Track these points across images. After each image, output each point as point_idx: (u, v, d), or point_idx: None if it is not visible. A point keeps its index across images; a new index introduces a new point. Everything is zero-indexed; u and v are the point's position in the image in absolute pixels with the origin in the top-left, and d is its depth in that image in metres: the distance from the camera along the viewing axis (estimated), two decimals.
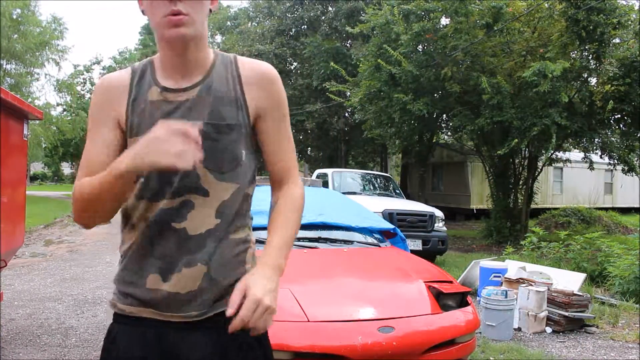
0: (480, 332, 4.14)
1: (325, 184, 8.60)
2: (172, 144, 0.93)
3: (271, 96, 1.19)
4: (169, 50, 1.09)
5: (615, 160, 10.70)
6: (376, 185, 9.88)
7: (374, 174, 10.68)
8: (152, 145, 0.94)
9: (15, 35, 25.18)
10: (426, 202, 10.61)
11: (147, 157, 0.94)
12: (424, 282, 3.09)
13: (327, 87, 13.17)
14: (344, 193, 6.65)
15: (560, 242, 7.08)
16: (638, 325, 4.58)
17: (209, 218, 1.09)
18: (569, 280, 5.12)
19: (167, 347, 1.08)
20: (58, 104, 27.69)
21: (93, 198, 1.03)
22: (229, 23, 25.63)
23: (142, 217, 1.09)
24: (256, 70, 1.18)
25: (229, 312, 0.96)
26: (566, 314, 4.39)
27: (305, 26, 19.72)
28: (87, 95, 33.17)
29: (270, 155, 1.24)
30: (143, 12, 1.10)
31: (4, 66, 25.41)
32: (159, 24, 1.05)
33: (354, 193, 8.39)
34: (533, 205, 11.80)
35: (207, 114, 1.10)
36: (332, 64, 13.87)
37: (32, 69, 27.17)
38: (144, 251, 1.09)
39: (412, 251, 4.67)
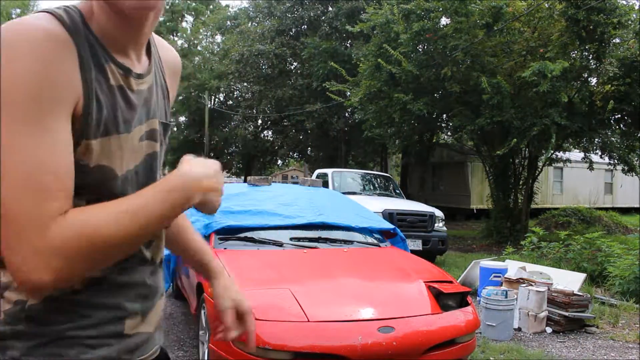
0: (480, 332, 4.13)
1: (325, 184, 8.59)
2: (221, 179, 0.78)
3: (174, 90, 0.98)
4: (124, 26, 0.76)
5: (616, 160, 10.71)
6: (376, 185, 9.87)
7: (374, 174, 10.67)
8: (218, 180, 0.77)
9: None
10: (426, 202, 10.60)
11: (212, 196, 0.76)
12: (424, 282, 3.09)
13: (327, 87, 13.17)
14: (344, 193, 6.65)
15: (561, 242, 7.07)
16: (638, 326, 4.58)
17: (163, 242, 0.91)
18: (569, 280, 5.12)
19: None
20: None
21: (128, 239, 0.69)
22: (228, 23, 25.63)
23: None
24: (175, 60, 0.97)
25: (233, 335, 0.92)
26: (566, 314, 4.39)
27: (306, 26, 19.72)
28: None
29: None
30: None
31: None
32: None
33: (354, 193, 8.38)
34: (533, 205, 11.79)
35: (160, 111, 0.87)
36: (331, 63, 13.86)
37: None
38: (114, 283, 0.79)
39: (412, 251, 4.67)
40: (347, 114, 18.80)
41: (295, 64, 21.25)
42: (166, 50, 0.95)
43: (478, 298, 4.76)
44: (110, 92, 0.76)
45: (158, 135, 0.86)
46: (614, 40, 8.86)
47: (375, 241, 4.08)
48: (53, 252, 0.64)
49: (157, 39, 0.93)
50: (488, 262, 5.29)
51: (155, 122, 0.85)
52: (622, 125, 10.19)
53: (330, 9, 18.49)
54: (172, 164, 29.14)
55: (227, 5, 36.32)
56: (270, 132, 25.46)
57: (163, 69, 0.92)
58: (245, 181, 8.09)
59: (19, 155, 0.64)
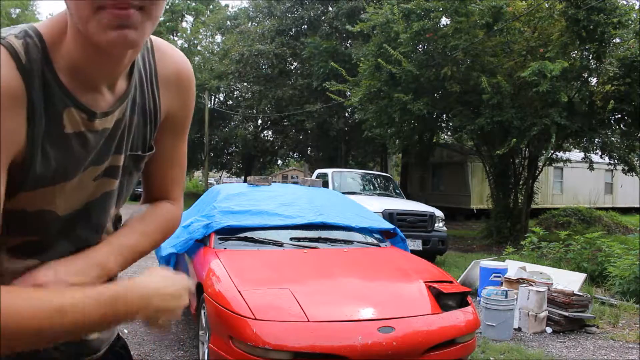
0: (480, 332, 4.13)
1: (325, 184, 8.59)
2: (184, 299, 0.76)
3: (184, 104, 0.88)
4: (99, 58, 0.68)
5: (616, 160, 10.71)
6: (376, 185, 9.87)
7: (374, 174, 10.67)
8: (175, 299, 0.74)
9: None
10: (426, 202, 10.59)
11: (163, 313, 0.73)
12: (424, 282, 3.09)
13: (327, 87, 13.17)
14: (344, 193, 6.64)
15: (561, 242, 7.07)
16: (638, 326, 4.58)
17: None
18: (569, 280, 5.12)
19: None
20: None
21: (56, 333, 0.63)
22: (228, 23, 25.64)
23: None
24: (177, 69, 0.85)
25: None
26: (566, 314, 4.38)
27: (305, 26, 19.73)
28: None
29: (159, 170, 0.91)
30: None
31: None
32: (88, 18, 0.62)
33: (354, 193, 8.37)
34: (533, 205, 11.79)
35: (133, 142, 0.81)
36: (331, 62, 13.86)
37: None
38: None
39: (412, 251, 4.66)
40: (347, 114, 18.80)
41: (295, 63, 21.26)
42: (167, 60, 0.84)
43: (478, 298, 4.76)
44: (63, 142, 0.70)
45: (119, 171, 0.80)
46: (614, 40, 8.86)
47: (375, 241, 4.08)
48: None
49: (159, 47, 0.83)
50: (488, 262, 5.29)
51: (119, 158, 0.78)
52: (622, 125, 10.18)
53: (330, 8, 18.50)
54: None
55: (227, 5, 36.33)
56: (270, 132, 25.46)
57: (155, 86, 0.82)
58: (245, 181, 8.09)
59: None
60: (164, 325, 0.75)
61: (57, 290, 0.66)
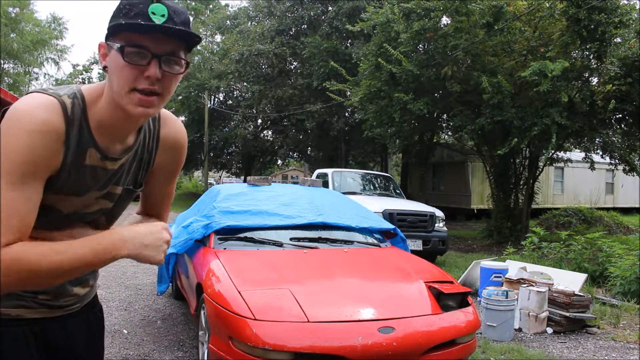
0: (480, 333, 4.12)
1: (325, 184, 8.58)
2: (164, 240, 1.02)
3: (176, 161, 1.22)
4: (121, 120, 1.01)
5: (617, 160, 10.69)
6: (376, 185, 9.85)
7: (374, 174, 10.65)
8: (152, 239, 1.00)
9: (13, 35, 25.13)
10: (426, 202, 10.58)
11: (147, 250, 0.99)
12: (425, 282, 3.07)
13: (327, 86, 13.15)
14: (344, 193, 6.63)
15: (561, 242, 7.06)
16: (639, 326, 4.56)
17: None
18: (570, 281, 5.10)
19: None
20: None
21: (54, 272, 0.91)
22: (228, 22, 25.62)
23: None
24: (176, 137, 1.19)
25: None
26: (567, 314, 4.37)
27: (306, 26, 19.70)
28: None
29: (153, 197, 1.28)
30: (105, 68, 0.99)
31: (2, 65, 25.35)
32: (125, 94, 0.95)
33: (354, 193, 8.36)
34: (534, 205, 11.78)
35: (129, 179, 1.15)
36: (331, 62, 13.85)
37: (30, 68, 27.12)
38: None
39: (413, 251, 4.65)
40: (347, 114, 18.78)
41: (295, 63, 21.24)
42: (169, 129, 1.18)
43: (479, 298, 4.75)
44: (81, 169, 1.02)
45: (116, 197, 1.14)
46: (615, 40, 8.83)
47: (375, 241, 4.06)
48: (7, 269, 0.87)
49: (165, 117, 1.18)
50: (489, 263, 5.28)
51: (117, 189, 1.13)
52: (623, 125, 10.16)
53: (330, 8, 18.48)
54: None
55: (227, 5, 36.26)
56: (270, 132, 25.44)
57: (156, 145, 1.17)
58: (245, 181, 8.08)
59: (8, 199, 0.91)
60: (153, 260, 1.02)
61: (55, 243, 0.93)
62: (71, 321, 1.16)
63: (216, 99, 26.99)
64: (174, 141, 1.19)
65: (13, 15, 24.84)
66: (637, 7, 8.98)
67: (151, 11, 0.93)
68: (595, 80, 9.60)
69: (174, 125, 1.19)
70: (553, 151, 10.51)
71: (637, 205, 18.94)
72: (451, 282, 3.20)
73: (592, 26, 8.20)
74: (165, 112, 1.18)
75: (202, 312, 3.11)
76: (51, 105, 0.95)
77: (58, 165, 0.98)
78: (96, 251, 0.94)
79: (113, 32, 0.97)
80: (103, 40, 1.00)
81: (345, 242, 3.87)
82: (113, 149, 1.06)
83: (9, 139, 0.91)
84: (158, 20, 0.93)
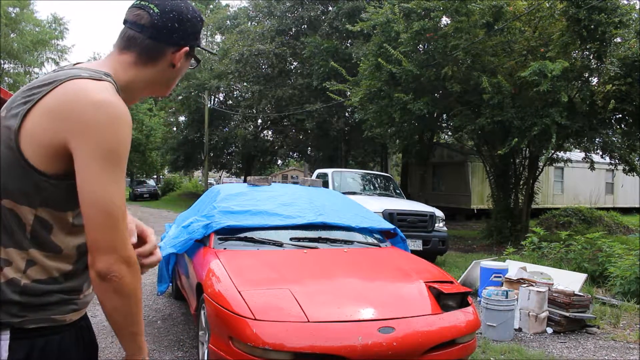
0: (480, 333, 4.12)
1: (325, 184, 8.58)
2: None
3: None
4: (130, 99, 1.15)
5: (617, 160, 10.68)
6: (376, 185, 9.85)
7: (374, 174, 10.65)
8: None
9: (13, 35, 25.11)
10: (426, 202, 10.58)
11: None
12: (425, 282, 3.07)
13: (327, 86, 13.15)
14: (344, 193, 6.63)
15: (561, 242, 7.06)
16: (639, 326, 4.56)
17: None
18: (570, 281, 5.10)
19: None
20: None
21: (127, 305, 1.02)
22: (228, 22, 25.61)
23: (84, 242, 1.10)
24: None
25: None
26: (567, 314, 4.37)
27: (306, 26, 19.69)
28: None
29: None
30: (174, 65, 1.15)
31: (2, 65, 25.33)
32: (172, 83, 1.19)
33: (354, 193, 8.37)
34: (534, 205, 11.78)
35: None
36: (331, 62, 13.84)
37: (30, 68, 27.11)
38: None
39: (413, 251, 4.65)
40: (347, 114, 18.78)
41: (295, 63, 21.23)
42: None
43: (479, 298, 4.75)
44: None
45: None
46: (615, 40, 8.83)
47: (375, 241, 4.06)
48: (133, 267, 1.02)
49: None
50: (488, 263, 5.28)
51: None
52: (623, 125, 10.15)
53: (330, 8, 18.47)
54: (172, 163, 29.12)
55: (227, 5, 36.27)
56: (270, 132, 25.43)
57: None
58: (245, 181, 8.08)
59: (120, 193, 1.00)
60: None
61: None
62: (86, 316, 1.21)
63: (216, 99, 26.98)
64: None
65: (13, 15, 24.83)
66: (637, 7, 8.98)
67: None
68: (595, 80, 9.60)
69: None
70: (553, 151, 10.51)
71: (637, 205, 18.95)
72: (451, 282, 3.20)
73: (592, 26, 8.20)
74: None
75: (202, 312, 3.11)
76: (113, 90, 1.03)
77: None
78: (139, 339, 1.08)
79: (194, 40, 1.16)
80: (186, 44, 1.15)
81: (345, 242, 3.87)
82: None
83: (115, 137, 0.97)
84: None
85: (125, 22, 1.13)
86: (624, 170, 10.85)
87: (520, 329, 4.41)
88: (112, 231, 0.96)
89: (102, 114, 0.95)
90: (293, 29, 20.34)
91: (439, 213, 8.01)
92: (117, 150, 0.96)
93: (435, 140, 16.79)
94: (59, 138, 0.95)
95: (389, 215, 7.24)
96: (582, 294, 4.65)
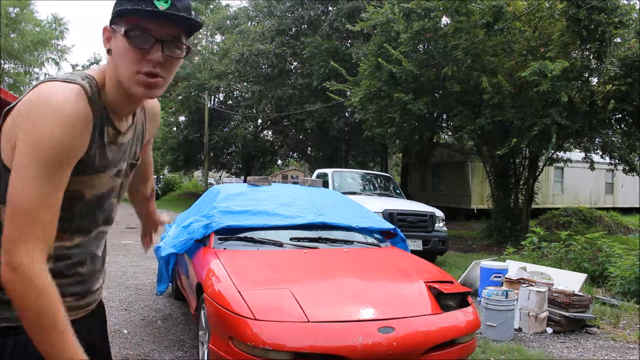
0: (480, 333, 4.12)
1: (325, 184, 8.58)
2: None
3: (155, 128, 1.36)
4: (127, 101, 1.07)
5: (617, 160, 10.68)
6: (376, 185, 9.85)
7: (374, 174, 10.65)
8: None
9: (13, 35, 25.11)
10: (426, 202, 10.58)
11: None
12: (425, 282, 3.07)
13: (327, 86, 13.15)
14: (344, 193, 6.63)
15: (561, 242, 7.06)
16: (639, 326, 4.56)
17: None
18: (570, 281, 5.10)
19: None
20: None
21: (35, 320, 0.91)
22: (228, 22, 25.60)
23: (65, 247, 1.08)
24: (154, 105, 1.30)
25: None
26: (567, 314, 4.37)
27: (306, 26, 19.69)
28: None
29: (144, 176, 1.51)
30: (109, 51, 1.02)
31: (2, 65, 25.33)
32: (129, 76, 1.00)
33: (354, 193, 8.37)
34: (534, 205, 11.78)
35: (131, 154, 1.21)
36: (332, 62, 13.84)
37: (30, 68, 27.11)
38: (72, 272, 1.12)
39: (413, 251, 4.65)
40: (347, 114, 18.78)
41: (295, 63, 21.23)
42: (151, 104, 1.28)
43: (478, 298, 4.75)
44: (103, 147, 1.07)
45: (123, 173, 1.19)
46: (615, 40, 8.83)
47: (375, 241, 4.06)
48: (16, 280, 0.90)
49: None
50: (488, 263, 5.28)
51: (124, 165, 1.18)
52: (623, 125, 10.16)
53: (330, 8, 18.48)
54: (172, 163, 29.11)
55: (227, 5, 36.30)
56: (270, 132, 25.43)
57: (145, 116, 1.26)
58: (245, 181, 8.08)
59: (38, 194, 0.93)
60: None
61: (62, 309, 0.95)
62: (89, 321, 1.20)
63: (216, 99, 26.98)
64: (153, 109, 1.30)
65: (13, 15, 24.83)
66: (637, 7, 8.98)
67: None
68: (595, 80, 9.60)
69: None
70: (553, 151, 10.51)
71: (636, 205, 18.94)
72: (451, 282, 3.20)
73: (592, 26, 8.20)
74: None
75: (202, 312, 3.11)
76: (79, 92, 0.98)
77: (87, 143, 1.01)
78: (60, 350, 0.92)
79: (118, 16, 1.00)
80: (108, 24, 1.04)
81: (345, 242, 3.87)
82: (121, 125, 1.12)
83: (42, 131, 0.92)
84: (162, 6, 0.97)
85: None
86: (623, 170, 10.85)
87: (520, 329, 4.41)
88: (13, 227, 0.91)
89: (40, 110, 0.93)
90: (293, 29, 20.34)
91: (439, 213, 8.01)
92: (42, 146, 0.91)
93: (435, 140, 16.78)
94: (15, 134, 0.96)
95: (389, 215, 7.24)
96: (582, 294, 4.65)
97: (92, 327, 1.20)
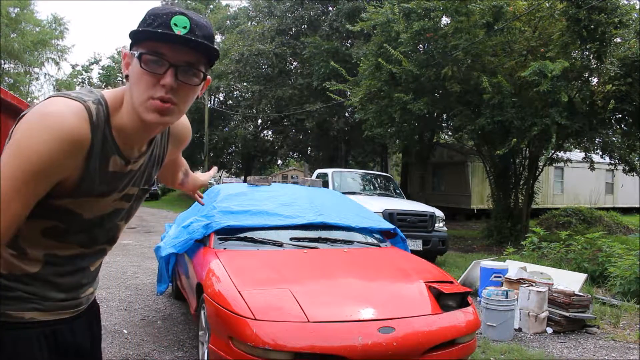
0: (480, 333, 4.12)
1: (325, 184, 8.58)
2: None
3: (182, 147, 1.37)
4: (140, 128, 1.05)
5: (616, 160, 10.69)
6: (376, 185, 9.85)
7: (374, 174, 10.65)
8: None
9: (14, 35, 25.11)
10: (426, 202, 10.58)
11: None
12: (425, 282, 3.07)
13: (327, 86, 13.15)
14: (344, 193, 6.63)
15: (561, 242, 7.06)
16: (639, 326, 4.56)
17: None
18: (570, 281, 5.10)
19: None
20: None
21: None
22: (228, 22, 25.61)
23: (56, 255, 1.09)
24: (183, 131, 1.29)
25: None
26: (567, 314, 4.37)
27: (306, 26, 19.70)
28: None
29: (176, 171, 1.54)
30: (127, 77, 1.02)
31: (2, 65, 25.31)
32: (142, 102, 0.99)
33: (354, 193, 8.37)
34: (534, 205, 11.78)
35: (144, 180, 1.20)
36: (332, 62, 13.84)
37: (30, 68, 27.11)
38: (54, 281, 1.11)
39: (413, 251, 4.65)
40: (347, 114, 18.78)
41: (295, 63, 21.23)
42: (180, 127, 1.27)
43: (478, 298, 4.75)
44: (105, 175, 1.05)
45: (132, 197, 1.18)
46: (615, 40, 8.83)
47: (375, 241, 4.06)
48: None
49: None
50: (488, 263, 5.28)
51: (135, 189, 1.17)
52: (623, 125, 10.16)
53: (330, 9, 18.47)
54: None
55: (227, 5, 36.28)
56: (270, 132, 25.43)
57: (167, 139, 1.24)
58: (245, 181, 8.08)
59: (9, 199, 0.92)
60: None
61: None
62: (77, 322, 1.19)
63: (216, 99, 26.98)
64: (182, 136, 1.29)
65: (13, 15, 24.83)
66: (637, 7, 8.97)
67: (173, 23, 0.96)
68: (595, 80, 9.60)
69: (180, 121, 1.22)
70: (553, 151, 10.51)
71: (636, 205, 18.94)
72: (451, 282, 3.20)
73: (592, 26, 8.20)
74: None
75: (202, 312, 3.11)
76: (78, 111, 0.96)
77: (79, 169, 0.99)
78: None
79: (135, 41, 1.00)
80: (127, 49, 1.03)
81: (345, 242, 3.87)
82: (132, 154, 1.10)
83: (31, 139, 0.92)
84: (179, 31, 0.96)
85: None
86: (623, 170, 10.86)
87: (520, 329, 4.41)
88: None
89: (37, 120, 0.94)
90: (293, 29, 20.34)
91: (439, 213, 8.01)
92: (25, 153, 0.91)
93: (435, 140, 16.79)
94: None
95: (389, 215, 7.24)
96: (582, 294, 4.66)
97: (80, 329, 1.20)
